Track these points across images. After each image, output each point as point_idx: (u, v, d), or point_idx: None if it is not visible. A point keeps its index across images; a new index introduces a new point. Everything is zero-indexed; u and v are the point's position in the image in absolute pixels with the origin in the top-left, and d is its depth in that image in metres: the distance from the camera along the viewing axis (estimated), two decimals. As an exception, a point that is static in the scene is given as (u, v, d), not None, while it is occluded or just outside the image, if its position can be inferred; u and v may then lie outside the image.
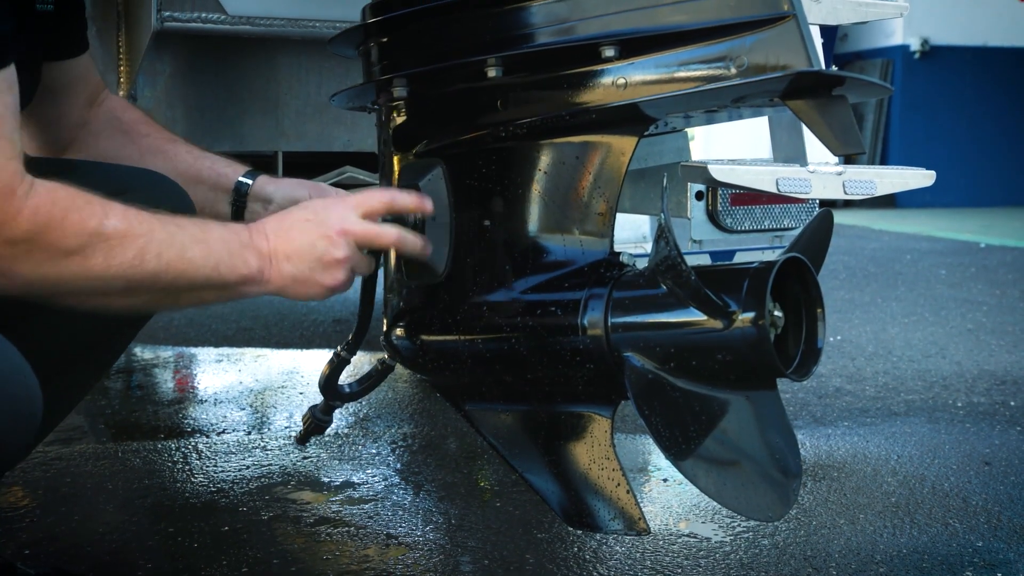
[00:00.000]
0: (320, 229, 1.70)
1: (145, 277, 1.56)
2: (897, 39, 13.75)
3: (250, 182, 2.07)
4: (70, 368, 1.96)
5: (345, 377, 2.05)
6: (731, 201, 2.86)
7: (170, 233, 1.59)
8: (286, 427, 3.11)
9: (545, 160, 1.77)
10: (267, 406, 3.40)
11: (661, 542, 2.25)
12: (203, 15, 2.51)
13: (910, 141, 13.73)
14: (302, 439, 2.13)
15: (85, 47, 2.09)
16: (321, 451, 2.85)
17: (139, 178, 1.97)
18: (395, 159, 1.96)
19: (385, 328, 1.98)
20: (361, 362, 3.62)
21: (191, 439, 2.97)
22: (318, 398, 2.16)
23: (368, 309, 1.96)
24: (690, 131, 2.87)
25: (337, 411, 2.11)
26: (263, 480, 2.60)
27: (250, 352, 4.25)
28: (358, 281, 1.89)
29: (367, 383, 2.09)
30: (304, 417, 2.10)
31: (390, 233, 1.76)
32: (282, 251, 1.68)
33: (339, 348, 2.00)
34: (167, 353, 4.22)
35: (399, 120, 1.94)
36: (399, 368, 2.09)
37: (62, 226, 1.50)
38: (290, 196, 2.06)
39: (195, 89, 2.77)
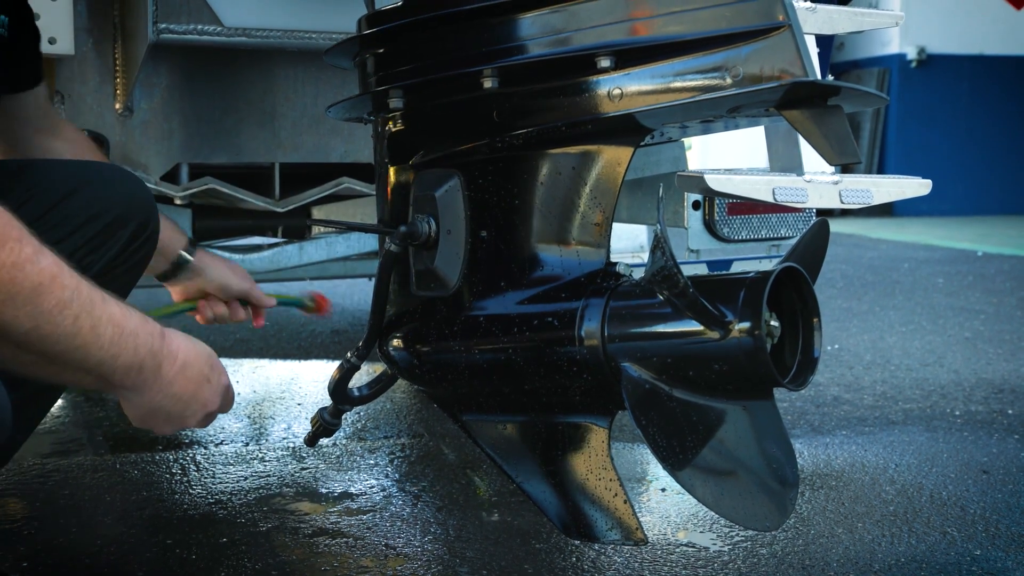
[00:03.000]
0: (207, 396, 1.69)
1: (51, 332, 1.44)
2: (894, 48, 13.77)
3: (190, 258, 2.27)
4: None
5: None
6: (728, 210, 2.86)
7: (92, 301, 1.50)
8: (284, 438, 3.11)
9: (541, 170, 1.78)
10: (265, 417, 3.40)
11: (659, 552, 2.25)
12: (199, 27, 2.51)
13: (907, 150, 13.74)
14: (311, 440, 2.16)
15: (33, 83, 2.13)
16: (319, 462, 2.85)
17: (97, 172, 2.00)
18: (391, 170, 1.96)
19: (381, 339, 1.99)
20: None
21: (189, 451, 2.96)
22: (315, 409, 2.16)
23: (379, 317, 1.97)
24: (687, 141, 2.87)
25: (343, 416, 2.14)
26: (261, 491, 2.60)
27: (248, 363, 4.24)
28: (369, 287, 1.92)
29: (376, 387, 2.10)
30: (313, 419, 2.12)
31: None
32: (172, 389, 1.64)
33: (349, 354, 2.01)
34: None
35: (395, 131, 1.95)
36: (396, 378, 2.09)
37: (2, 232, 1.39)
38: (220, 280, 2.32)
39: (192, 101, 2.78)
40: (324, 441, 3.00)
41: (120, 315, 1.55)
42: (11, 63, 2.02)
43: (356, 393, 2.10)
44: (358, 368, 2.03)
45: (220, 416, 3.30)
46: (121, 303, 1.57)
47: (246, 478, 2.71)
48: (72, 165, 2.02)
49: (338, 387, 2.06)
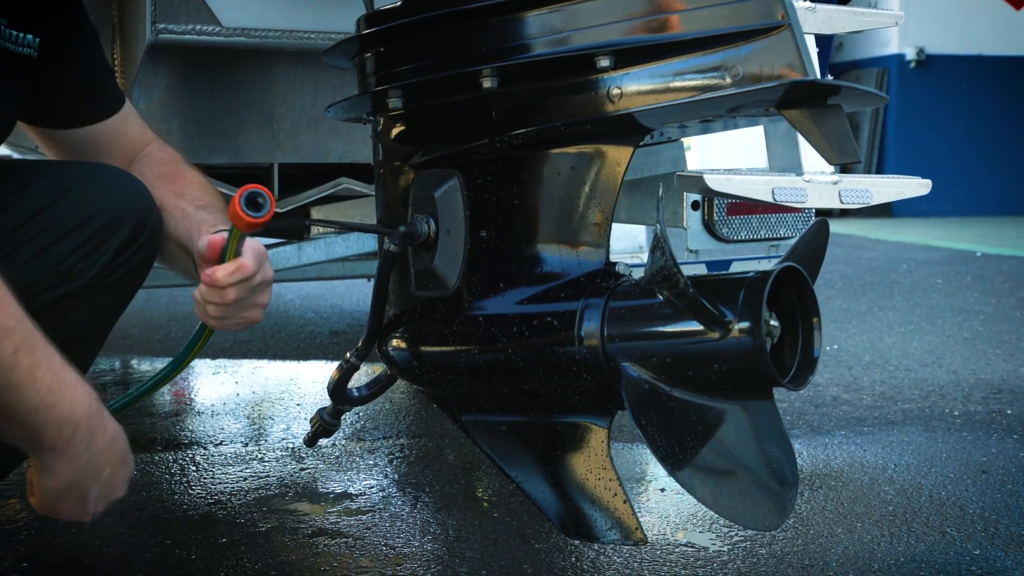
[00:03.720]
0: (122, 477, 1.67)
1: None
2: (893, 48, 13.76)
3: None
4: None
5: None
6: (727, 211, 2.86)
7: (35, 338, 1.49)
8: (283, 438, 3.10)
9: (541, 170, 1.78)
10: (264, 417, 3.40)
11: (659, 552, 2.25)
12: (198, 27, 2.51)
13: (906, 150, 13.74)
14: (310, 441, 2.17)
15: (104, 113, 2.07)
16: (318, 462, 2.85)
17: (90, 174, 1.92)
18: (391, 170, 1.96)
19: (380, 339, 1.99)
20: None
21: (188, 451, 2.96)
22: (314, 410, 2.16)
23: (378, 317, 1.96)
24: (685, 141, 2.87)
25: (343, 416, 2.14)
26: (261, 492, 2.60)
27: (247, 364, 4.24)
28: (367, 288, 1.91)
29: (375, 388, 2.10)
30: (312, 420, 2.13)
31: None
32: (96, 455, 1.60)
33: (348, 354, 2.01)
34: (164, 365, 4.22)
35: (394, 131, 1.95)
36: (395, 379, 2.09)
37: None
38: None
39: (190, 101, 2.77)
40: (323, 441, 3.00)
41: (59, 364, 1.51)
42: (42, 89, 1.97)
43: (355, 393, 2.10)
44: (357, 368, 2.03)
45: (220, 416, 3.31)
46: (60, 357, 1.51)
47: (245, 478, 2.71)
48: (66, 167, 1.97)
49: (337, 387, 2.07)
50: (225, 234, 1.79)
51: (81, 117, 2.05)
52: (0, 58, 1.81)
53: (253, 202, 1.65)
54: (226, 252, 1.77)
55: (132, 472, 1.69)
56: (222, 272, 1.76)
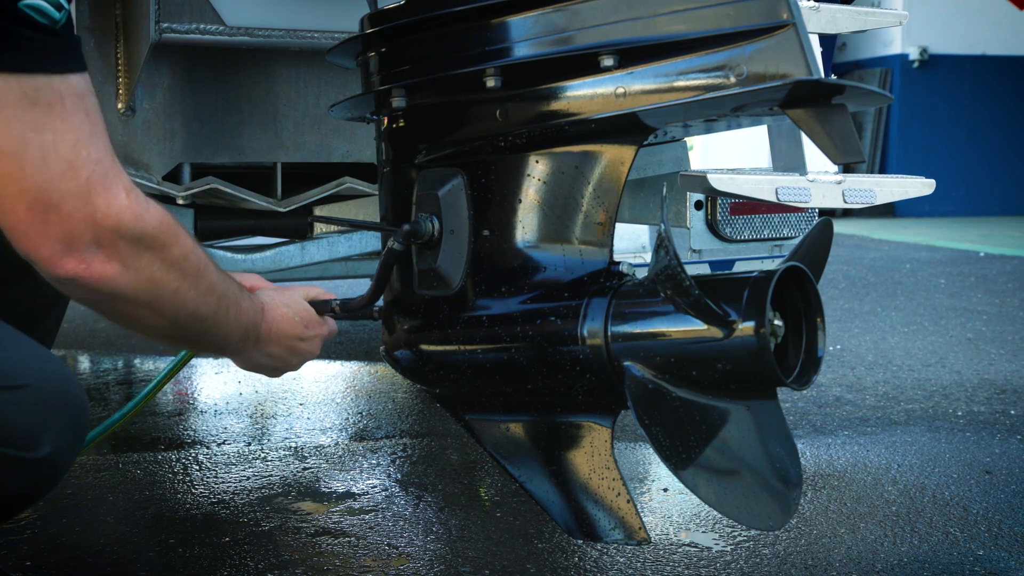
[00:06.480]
0: (304, 349, 1.90)
1: (203, 312, 1.62)
2: (896, 48, 13.76)
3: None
4: None
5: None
6: (730, 210, 2.85)
7: (224, 282, 1.66)
8: (286, 438, 3.10)
9: (544, 170, 1.77)
10: (267, 417, 3.40)
11: (662, 552, 2.24)
12: (201, 26, 2.51)
13: (909, 150, 13.74)
14: None
15: None
16: (321, 461, 2.85)
17: None
18: (395, 169, 1.96)
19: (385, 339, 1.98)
20: (362, 376, 3.61)
21: (191, 450, 2.96)
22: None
23: (381, 286, 1.96)
24: (689, 140, 2.87)
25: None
26: (263, 491, 2.60)
27: (250, 363, 4.24)
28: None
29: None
30: None
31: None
32: (267, 349, 1.84)
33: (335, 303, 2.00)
34: (167, 364, 4.22)
35: (398, 130, 1.94)
36: (399, 378, 2.08)
37: (176, 232, 1.52)
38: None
39: (194, 100, 2.77)
40: (326, 441, 3.00)
41: (237, 293, 1.72)
42: None
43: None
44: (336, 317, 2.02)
45: (222, 416, 3.31)
46: (233, 280, 1.73)
47: (248, 478, 2.71)
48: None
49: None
50: None
51: None
52: None
53: None
54: None
55: (319, 336, 1.94)
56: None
